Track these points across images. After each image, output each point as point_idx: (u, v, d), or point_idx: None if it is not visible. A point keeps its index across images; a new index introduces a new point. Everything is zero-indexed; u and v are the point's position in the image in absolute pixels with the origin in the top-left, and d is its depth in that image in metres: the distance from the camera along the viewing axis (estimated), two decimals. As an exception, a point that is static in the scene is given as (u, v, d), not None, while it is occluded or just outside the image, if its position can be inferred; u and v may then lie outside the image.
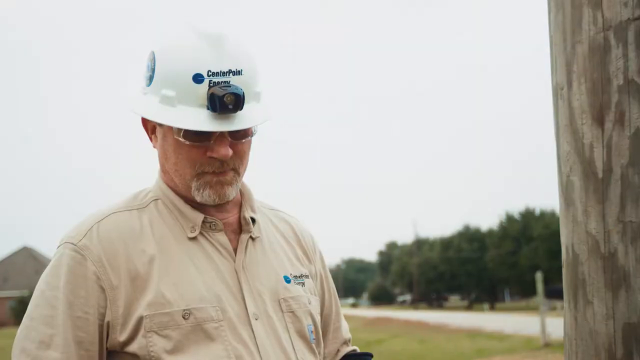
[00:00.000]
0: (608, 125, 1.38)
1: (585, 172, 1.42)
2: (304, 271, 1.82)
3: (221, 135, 1.60)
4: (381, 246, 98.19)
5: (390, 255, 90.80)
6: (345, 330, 1.97)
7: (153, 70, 1.63)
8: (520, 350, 19.58)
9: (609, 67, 1.39)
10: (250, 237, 1.74)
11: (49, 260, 1.68)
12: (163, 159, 1.69)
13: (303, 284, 1.79)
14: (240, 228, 1.74)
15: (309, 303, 1.77)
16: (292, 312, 1.72)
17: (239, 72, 1.59)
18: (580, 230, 1.43)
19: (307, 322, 1.74)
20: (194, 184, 1.64)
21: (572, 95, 1.46)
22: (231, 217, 1.74)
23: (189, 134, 1.59)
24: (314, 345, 1.75)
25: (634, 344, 1.34)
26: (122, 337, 1.57)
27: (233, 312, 1.62)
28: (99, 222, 1.65)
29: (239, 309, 1.63)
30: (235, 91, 1.55)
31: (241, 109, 1.57)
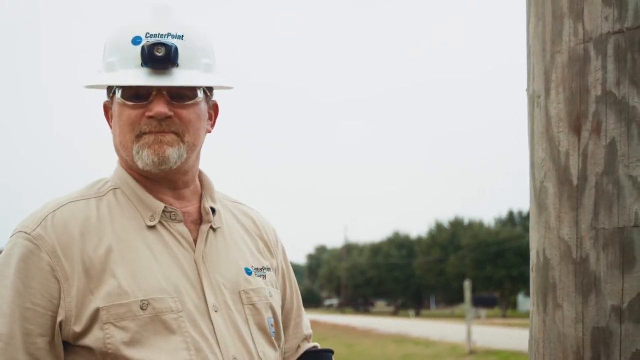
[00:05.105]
0: (585, 134, 1.42)
1: (560, 179, 1.46)
2: (266, 264, 1.81)
3: (159, 95, 1.60)
4: (311, 250, 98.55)
5: (320, 259, 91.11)
6: (307, 327, 1.96)
7: (105, 47, 1.68)
8: (446, 356, 19.91)
9: (588, 78, 1.43)
10: (211, 228, 1.72)
11: None
12: (114, 137, 1.69)
13: (265, 276, 1.77)
14: (201, 219, 1.72)
15: (270, 296, 1.75)
16: (253, 304, 1.70)
17: (180, 37, 1.61)
18: (553, 235, 1.47)
19: (267, 315, 1.72)
20: (134, 149, 1.62)
21: (549, 103, 1.49)
22: (191, 207, 1.72)
23: (127, 95, 1.61)
24: (274, 339, 1.73)
25: (602, 348, 1.37)
26: (78, 328, 1.54)
27: (192, 304, 1.60)
28: (54, 211, 1.61)
29: (199, 300, 1.62)
30: (166, 42, 1.58)
31: (175, 63, 1.58)
